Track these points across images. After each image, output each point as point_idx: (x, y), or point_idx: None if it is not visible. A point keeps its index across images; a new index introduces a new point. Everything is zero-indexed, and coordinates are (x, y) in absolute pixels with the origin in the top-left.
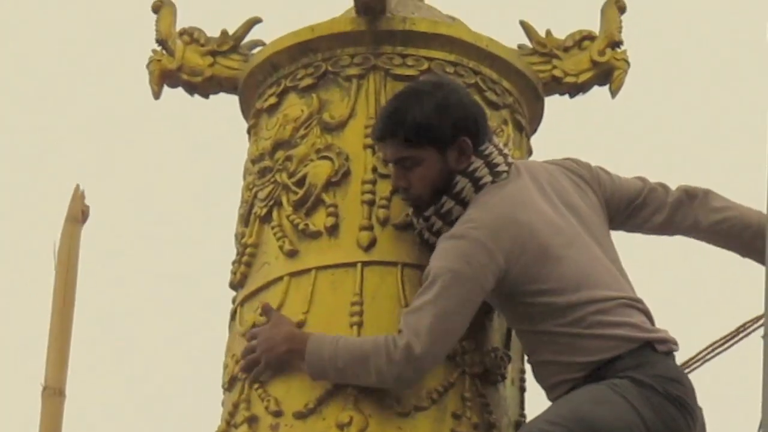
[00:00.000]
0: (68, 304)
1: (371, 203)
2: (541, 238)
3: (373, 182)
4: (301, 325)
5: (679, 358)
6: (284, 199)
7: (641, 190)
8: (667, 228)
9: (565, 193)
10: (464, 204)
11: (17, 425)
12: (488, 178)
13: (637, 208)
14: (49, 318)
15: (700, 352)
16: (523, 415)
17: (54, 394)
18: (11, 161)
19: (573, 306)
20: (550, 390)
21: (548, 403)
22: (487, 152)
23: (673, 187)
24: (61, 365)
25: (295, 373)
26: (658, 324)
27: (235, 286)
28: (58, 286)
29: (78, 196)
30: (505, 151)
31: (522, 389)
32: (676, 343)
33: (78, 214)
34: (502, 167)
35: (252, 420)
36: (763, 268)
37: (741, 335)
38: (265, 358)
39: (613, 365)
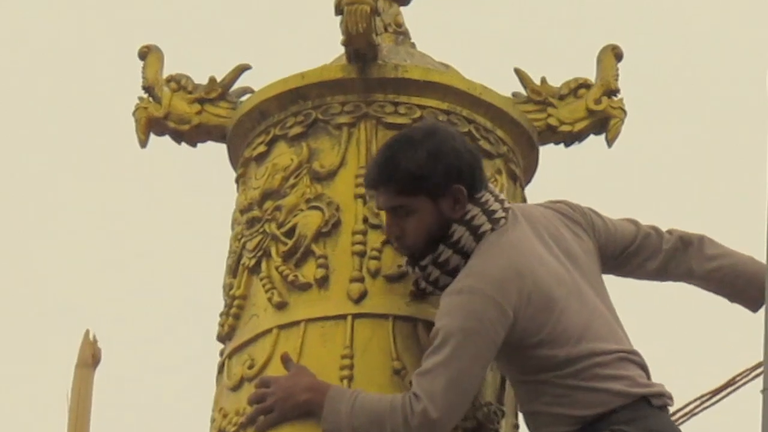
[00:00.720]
0: None
1: (362, 254)
2: (545, 288)
3: (364, 233)
4: None
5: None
6: (273, 250)
7: (635, 236)
8: (660, 275)
9: (563, 240)
10: (463, 253)
11: None
12: (487, 226)
13: (631, 254)
14: None
15: (690, 403)
16: None
17: None
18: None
19: (573, 359)
20: None
21: None
22: (483, 200)
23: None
24: None
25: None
26: (653, 373)
27: (223, 338)
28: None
29: (88, 341)
30: (501, 196)
31: None
32: (671, 398)
33: (89, 358)
34: (500, 213)
35: None
36: (758, 316)
37: (734, 387)
38: (279, 406)
39: (607, 418)
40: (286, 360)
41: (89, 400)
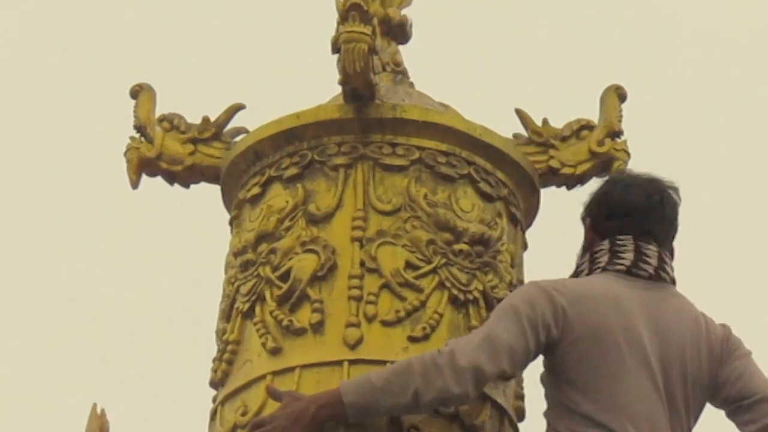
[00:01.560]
0: None
1: (358, 299)
2: (608, 341)
3: (361, 277)
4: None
5: None
6: (267, 294)
7: (755, 393)
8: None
9: (669, 335)
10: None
11: None
12: (603, 264)
13: (741, 409)
14: None
15: None
16: None
17: None
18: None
19: (588, 419)
20: None
21: None
22: (619, 242)
23: None
24: None
25: None
26: None
27: (216, 384)
28: None
29: (95, 415)
30: (653, 261)
31: None
32: None
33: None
34: (625, 263)
35: None
36: None
37: None
38: None
39: None
40: (273, 391)
41: None
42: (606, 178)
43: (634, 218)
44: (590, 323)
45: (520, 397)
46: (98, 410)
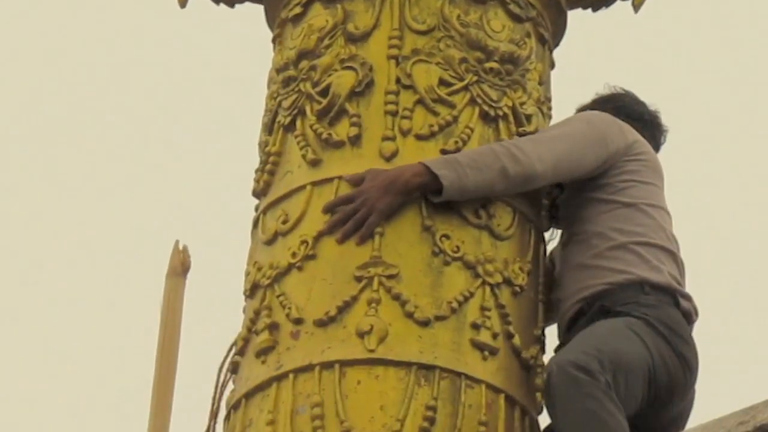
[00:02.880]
0: (171, 361)
1: (394, 114)
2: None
3: (396, 93)
4: (323, 233)
5: None
6: (308, 109)
7: None
8: None
9: None
10: None
11: None
12: None
13: None
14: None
15: None
16: (540, 328)
17: None
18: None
19: (633, 209)
20: (568, 328)
21: None
22: None
23: None
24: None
25: (320, 279)
26: None
27: (258, 194)
28: (161, 340)
29: (178, 251)
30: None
31: (542, 302)
32: (698, 315)
33: (178, 267)
34: None
35: (273, 327)
36: None
37: None
38: (379, 205)
39: (634, 295)
40: (351, 178)
41: (180, 308)
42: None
43: (642, 123)
44: (637, 149)
45: (545, 208)
46: (180, 246)
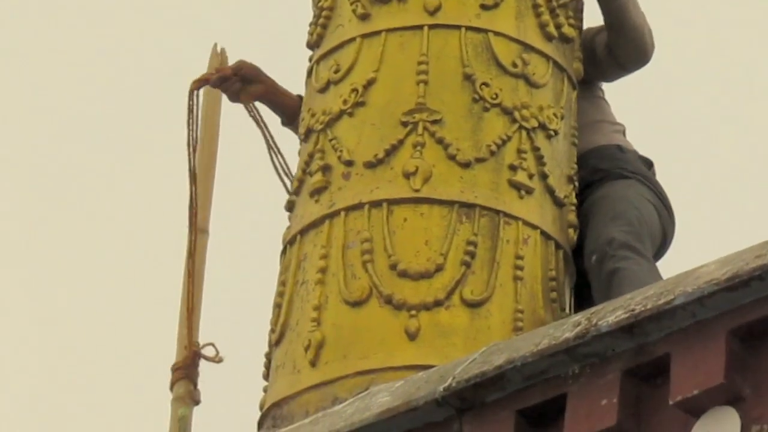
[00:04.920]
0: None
1: None
2: None
3: None
4: (372, 81)
5: None
6: None
7: None
8: None
9: None
10: None
11: None
12: None
13: None
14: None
15: None
16: (573, 168)
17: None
18: None
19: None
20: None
21: None
22: None
23: None
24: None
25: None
26: None
27: (312, 46)
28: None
29: (215, 53)
30: None
31: (573, 144)
32: None
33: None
34: None
35: (326, 168)
36: None
37: None
38: None
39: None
40: None
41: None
42: None
43: None
44: None
45: (578, 58)
46: (218, 49)
